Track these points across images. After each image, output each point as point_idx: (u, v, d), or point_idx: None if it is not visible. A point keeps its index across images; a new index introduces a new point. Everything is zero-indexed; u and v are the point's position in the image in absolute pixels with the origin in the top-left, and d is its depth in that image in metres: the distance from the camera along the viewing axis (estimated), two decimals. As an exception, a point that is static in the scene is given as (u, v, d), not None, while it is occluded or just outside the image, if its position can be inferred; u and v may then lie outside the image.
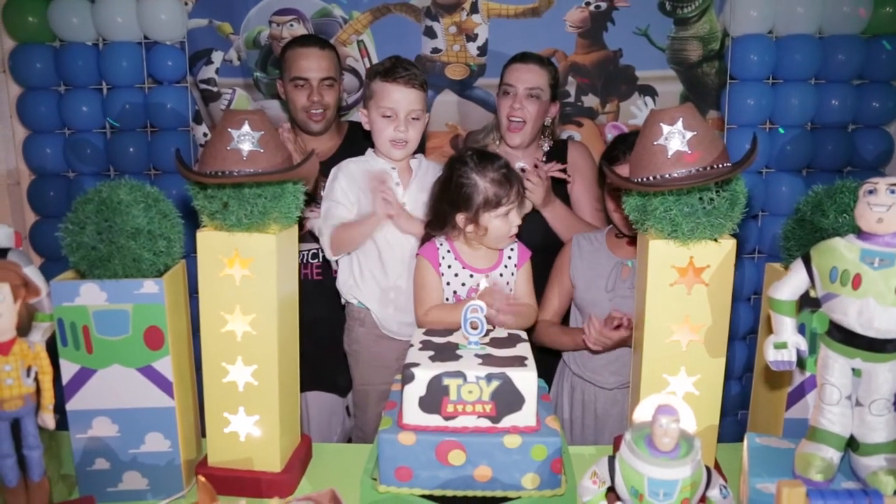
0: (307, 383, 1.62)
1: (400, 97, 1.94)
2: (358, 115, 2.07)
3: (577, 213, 2.29)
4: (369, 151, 2.07)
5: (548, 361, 2.20)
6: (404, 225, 1.95)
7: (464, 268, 1.81)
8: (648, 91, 2.85)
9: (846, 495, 0.95)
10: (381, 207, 1.90)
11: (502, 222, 1.78)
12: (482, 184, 1.76)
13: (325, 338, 2.19)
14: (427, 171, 2.06)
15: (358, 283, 2.04)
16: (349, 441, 2.38)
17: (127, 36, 2.77)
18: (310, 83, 2.27)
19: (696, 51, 2.79)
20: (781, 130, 2.76)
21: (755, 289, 2.87)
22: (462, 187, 1.77)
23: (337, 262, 2.07)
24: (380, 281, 2.02)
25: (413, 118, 1.97)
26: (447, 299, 1.81)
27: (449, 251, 1.83)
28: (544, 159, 2.32)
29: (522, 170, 2.14)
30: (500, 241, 1.81)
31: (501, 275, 1.83)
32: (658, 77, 2.84)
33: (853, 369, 1.17)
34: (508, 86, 2.24)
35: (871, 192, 1.10)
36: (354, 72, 2.83)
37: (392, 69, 1.95)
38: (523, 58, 2.27)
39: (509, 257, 1.85)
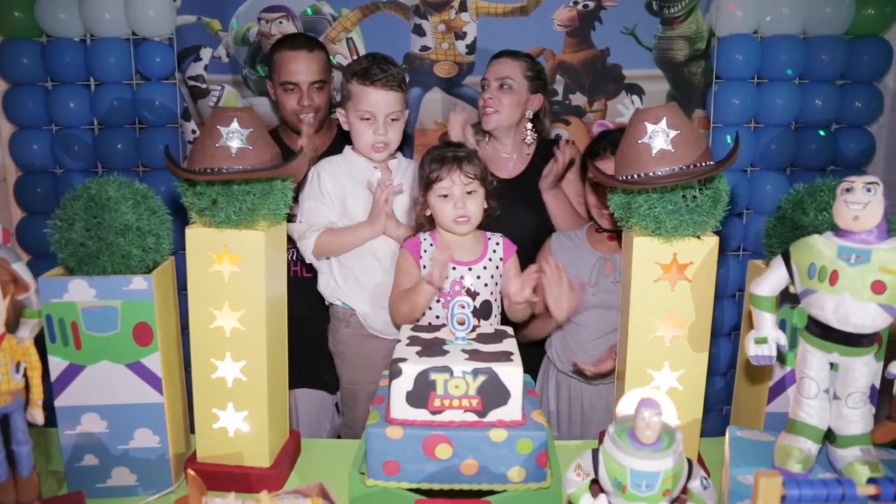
0: (296, 380, 1.63)
1: (378, 100, 1.93)
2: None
3: None
4: (347, 149, 2.06)
5: (533, 357, 2.22)
6: (393, 231, 1.95)
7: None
8: (635, 90, 2.87)
9: (820, 484, 0.97)
10: (378, 217, 1.89)
11: (442, 203, 1.80)
12: (425, 162, 1.83)
13: (313, 335, 2.19)
14: (406, 171, 2.07)
15: (340, 285, 2.04)
16: (338, 438, 2.39)
17: (115, 32, 2.76)
18: (299, 87, 2.25)
19: (683, 50, 2.82)
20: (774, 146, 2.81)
21: (740, 286, 2.90)
22: (418, 169, 1.87)
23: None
24: (363, 281, 2.02)
25: (392, 119, 1.96)
26: (439, 287, 1.83)
27: (432, 244, 1.85)
28: (530, 154, 2.33)
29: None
30: (446, 222, 1.82)
31: (486, 268, 1.85)
32: (645, 76, 2.86)
33: (831, 363, 1.20)
34: (484, 80, 2.32)
35: (847, 190, 1.13)
36: (343, 69, 2.84)
37: (369, 70, 1.93)
38: (497, 54, 2.34)
39: (494, 251, 1.87)
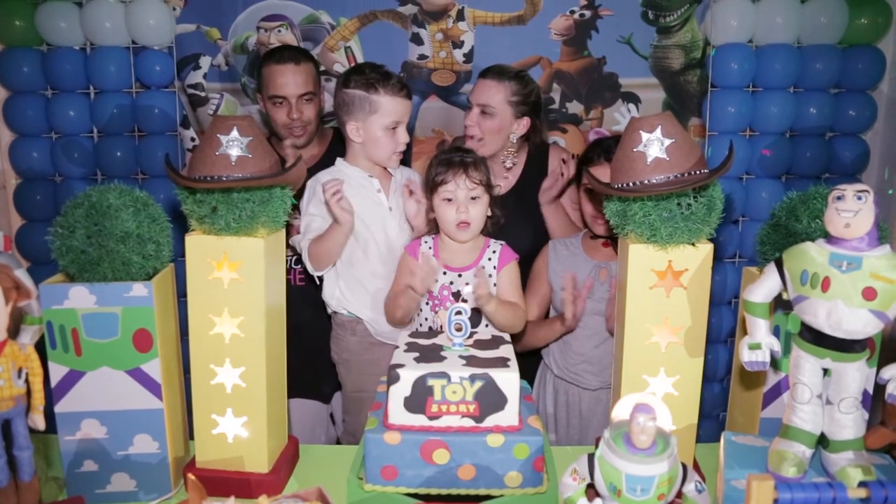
0: (290, 390, 1.63)
1: (405, 109, 1.98)
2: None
3: None
4: (340, 161, 2.07)
5: (530, 364, 2.23)
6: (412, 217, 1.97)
7: (440, 264, 1.84)
8: (632, 98, 2.89)
9: (812, 487, 0.98)
10: (340, 213, 1.85)
11: (445, 207, 1.82)
12: (433, 165, 1.85)
13: (308, 344, 2.18)
14: (405, 176, 2.08)
15: (345, 294, 2.03)
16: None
17: (115, 40, 2.78)
18: (288, 101, 2.26)
19: (678, 59, 2.85)
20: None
21: (736, 293, 2.91)
22: (426, 172, 1.89)
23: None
24: (368, 287, 2.02)
25: (405, 125, 2.00)
26: (422, 294, 1.84)
27: (430, 248, 1.87)
28: (509, 166, 2.30)
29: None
30: (448, 227, 1.84)
31: (476, 275, 1.86)
32: (641, 84, 2.89)
33: (824, 369, 1.21)
34: (469, 102, 2.27)
35: (839, 198, 1.15)
36: (354, 83, 2.84)
37: (388, 81, 1.95)
38: (484, 73, 2.26)
39: (489, 259, 1.87)
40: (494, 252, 1.88)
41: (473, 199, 1.81)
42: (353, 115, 1.98)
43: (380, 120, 1.96)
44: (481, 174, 1.83)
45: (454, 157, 1.84)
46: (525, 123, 2.26)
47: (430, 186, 1.84)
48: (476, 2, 2.82)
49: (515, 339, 1.89)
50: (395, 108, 1.95)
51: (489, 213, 1.86)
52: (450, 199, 1.81)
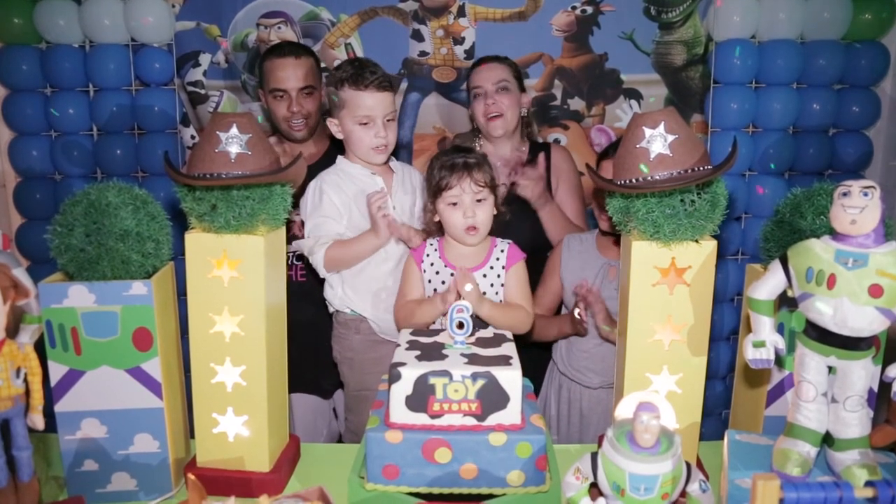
0: (291, 385, 1.63)
1: (374, 103, 1.93)
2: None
3: None
4: (341, 159, 2.06)
5: (538, 360, 2.23)
6: (411, 237, 1.93)
7: (445, 266, 1.83)
8: (634, 94, 2.88)
9: (818, 487, 0.97)
10: (384, 228, 1.87)
11: (451, 211, 1.79)
12: (435, 168, 1.82)
13: (309, 340, 2.18)
14: (405, 173, 2.07)
15: (348, 293, 2.02)
16: (339, 442, 2.38)
17: (114, 38, 2.77)
18: (288, 94, 2.27)
19: (681, 55, 2.83)
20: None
21: (739, 290, 2.90)
22: (427, 175, 1.86)
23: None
24: (370, 286, 2.01)
25: (389, 120, 1.97)
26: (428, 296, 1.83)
27: (436, 249, 1.85)
28: (523, 159, 2.32)
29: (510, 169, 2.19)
30: (455, 232, 1.81)
31: (485, 276, 1.84)
32: (643, 81, 2.88)
33: (829, 367, 1.20)
34: (477, 87, 2.32)
35: (844, 194, 1.13)
36: (328, 79, 2.84)
37: (360, 75, 1.93)
38: (481, 60, 2.39)
39: (497, 258, 1.85)
40: (502, 251, 1.85)
41: (479, 201, 1.79)
42: (333, 111, 2.02)
43: (349, 114, 1.95)
44: (485, 175, 1.80)
45: (457, 159, 1.79)
46: (527, 99, 2.40)
47: (434, 191, 1.81)
48: (477, -2, 2.81)
49: (525, 334, 1.87)
50: (361, 101, 1.93)
51: (495, 212, 1.84)
52: (455, 204, 1.79)
